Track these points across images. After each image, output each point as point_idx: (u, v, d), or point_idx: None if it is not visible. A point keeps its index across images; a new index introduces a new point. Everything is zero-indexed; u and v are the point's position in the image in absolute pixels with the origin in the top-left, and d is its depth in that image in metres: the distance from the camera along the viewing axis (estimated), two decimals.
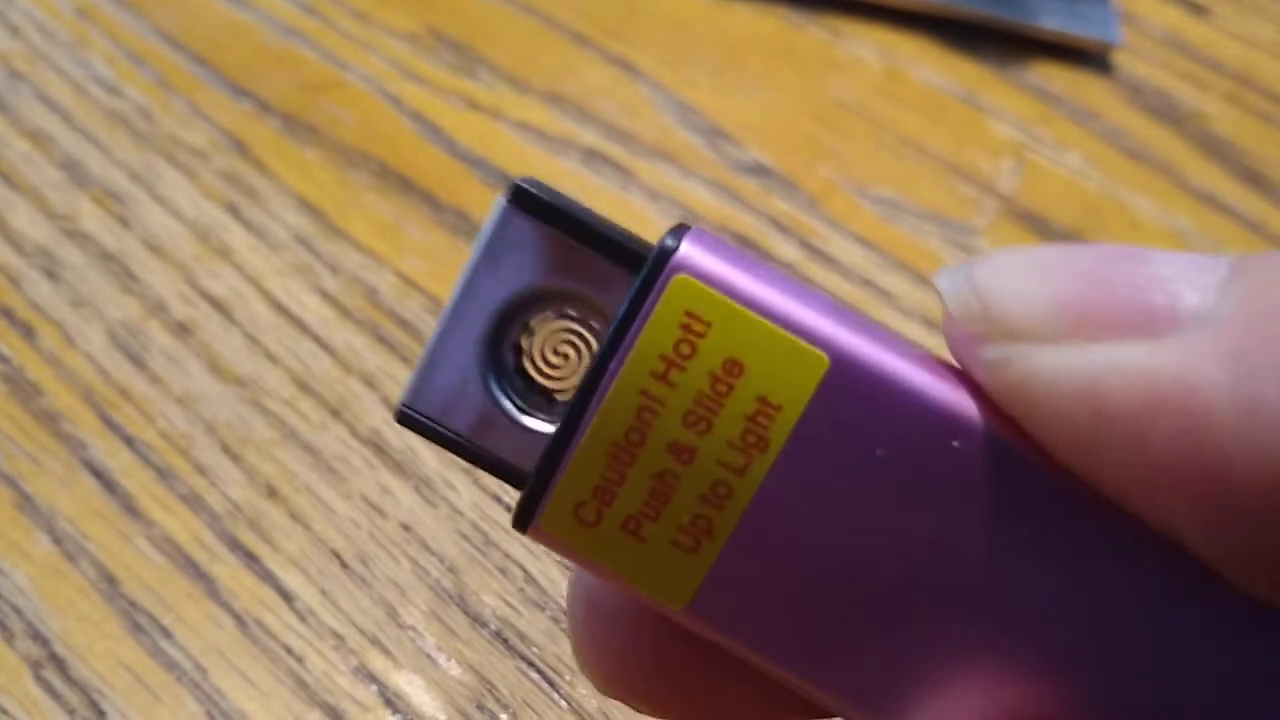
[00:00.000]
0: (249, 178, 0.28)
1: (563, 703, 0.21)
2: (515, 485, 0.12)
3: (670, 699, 0.13)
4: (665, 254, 0.11)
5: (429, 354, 0.12)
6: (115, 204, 0.28)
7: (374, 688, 0.21)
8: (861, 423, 0.11)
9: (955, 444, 0.10)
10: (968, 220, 0.30)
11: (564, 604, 0.23)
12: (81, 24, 0.31)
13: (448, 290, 0.12)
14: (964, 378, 0.11)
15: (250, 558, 0.23)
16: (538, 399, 0.12)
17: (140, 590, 0.22)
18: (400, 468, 0.24)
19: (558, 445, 0.11)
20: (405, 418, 0.12)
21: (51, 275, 0.26)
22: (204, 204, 0.28)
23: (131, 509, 0.23)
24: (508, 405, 0.12)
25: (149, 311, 0.26)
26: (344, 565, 0.23)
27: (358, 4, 0.33)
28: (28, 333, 0.25)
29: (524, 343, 0.12)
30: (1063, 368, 0.10)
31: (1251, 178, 0.32)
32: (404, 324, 0.26)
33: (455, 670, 0.22)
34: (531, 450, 0.12)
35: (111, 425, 0.24)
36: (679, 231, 0.11)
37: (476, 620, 0.22)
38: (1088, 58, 0.34)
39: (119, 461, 0.24)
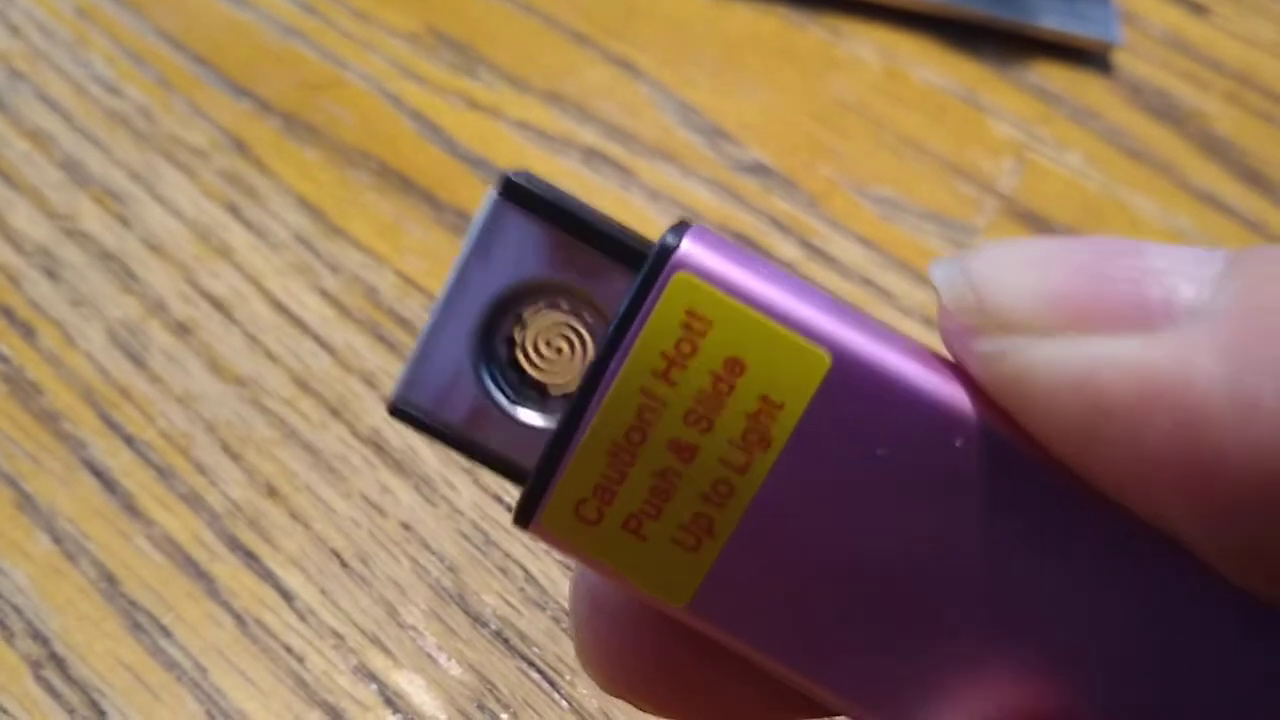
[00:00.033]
0: (249, 177, 0.28)
1: (563, 702, 0.21)
2: (509, 478, 0.12)
3: (673, 698, 0.13)
4: (666, 251, 0.11)
5: (421, 347, 0.12)
6: (115, 203, 0.28)
7: (374, 687, 0.21)
8: (863, 421, 0.11)
9: (957, 442, 0.10)
10: (968, 220, 0.30)
11: (564, 604, 0.23)
12: (82, 23, 0.31)
13: None
14: (966, 375, 0.11)
15: (250, 557, 0.23)
16: (531, 392, 0.12)
17: (140, 589, 0.22)
18: (400, 467, 0.24)
19: (559, 443, 0.11)
20: (397, 411, 0.12)
21: (51, 275, 0.26)
22: (204, 203, 0.28)
23: (131, 508, 0.23)
24: (500, 398, 0.12)
25: (149, 311, 0.26)
26: (344, 564, 0.23)
27: (358, 3, 0.33)
28: (28, 332, 0.25)
29: (517, 335, 0.12)
30: (1057, 361, 0.10)
31: (1252, 177, 0.32)
32: (404, 323, 0.26)
33: (455, 670, 0.22)
34: (524, 443, 0.12)
35: (111, 425, 0.24)
36: (680, 229, 0.11)
37: (477, 620, 0.22)
38: (1088, 57, 0.34)
39: (119, 461, 0.24)
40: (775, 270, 0.11)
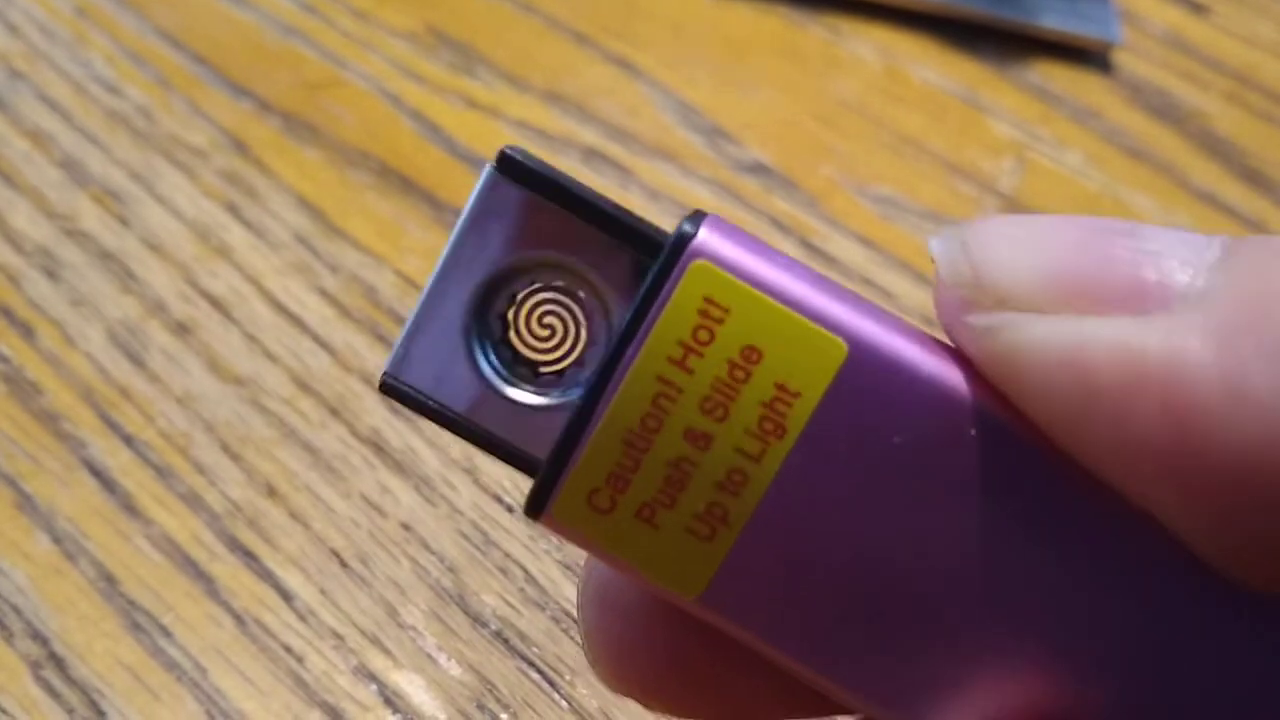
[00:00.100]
0: (248, 177, 0.28)
1: (563, 703, 0.21)
2: (500, 457, 0.12)
3: (683, 696, 0.13)
4: (685, 239, 0.11)
5: (413, 323, 0.12)
6: (115, 203, 0.28)
7: (374, 687, 0.21)
8: (879, 410, 0.10)
9: (973, 433, 0.10)
10: (968, 219, 0.30)
11: (565, 604, 0.23)
12: (81, 23, 0.31)
13: None
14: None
15: (249, 557, 0.23)
16: (522, 370, 0.12)
17: (139, 589, 0.22)
18: (400, 467, 0.24)
19: (572, 431, 0.11)
20: (388, 387, 0.12)
21: (51, 274, 0.26)
22: (203, 203, 0.28)
23: (131, 508, 0.23)
24: (492, 376, 0.12)
25: (148, 311, 0.26)
26: (344, 564, 0.23)
27: (357, 3, 0.33)
28: (27, 332, 0.25)
29: (509, 313, 0.12)
30: (1049, 339, 0.10)
31: (1252, 177, 0.32)
32: (403, 323, 0.26)
33: (455, 670, 0.22)
34: (516, 422, 0.11)
35: (111, 424, 0.24)
36: (697, 217, 0.11)
37: (477, 620, 0.22)
38: (1088, 57, 0.34)
39: (118, 461, 0.24)
40: (790, 260, 0.11)
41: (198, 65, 0.31)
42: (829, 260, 0.29)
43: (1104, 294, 0.10)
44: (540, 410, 0.12)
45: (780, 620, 0.11)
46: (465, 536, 0.23)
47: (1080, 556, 0.10)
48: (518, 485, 0.24)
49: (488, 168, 0.11)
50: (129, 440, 0.24)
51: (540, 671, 0.22)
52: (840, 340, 0.10)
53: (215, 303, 0.26)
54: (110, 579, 0.22)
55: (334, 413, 0.25)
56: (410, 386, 0.12)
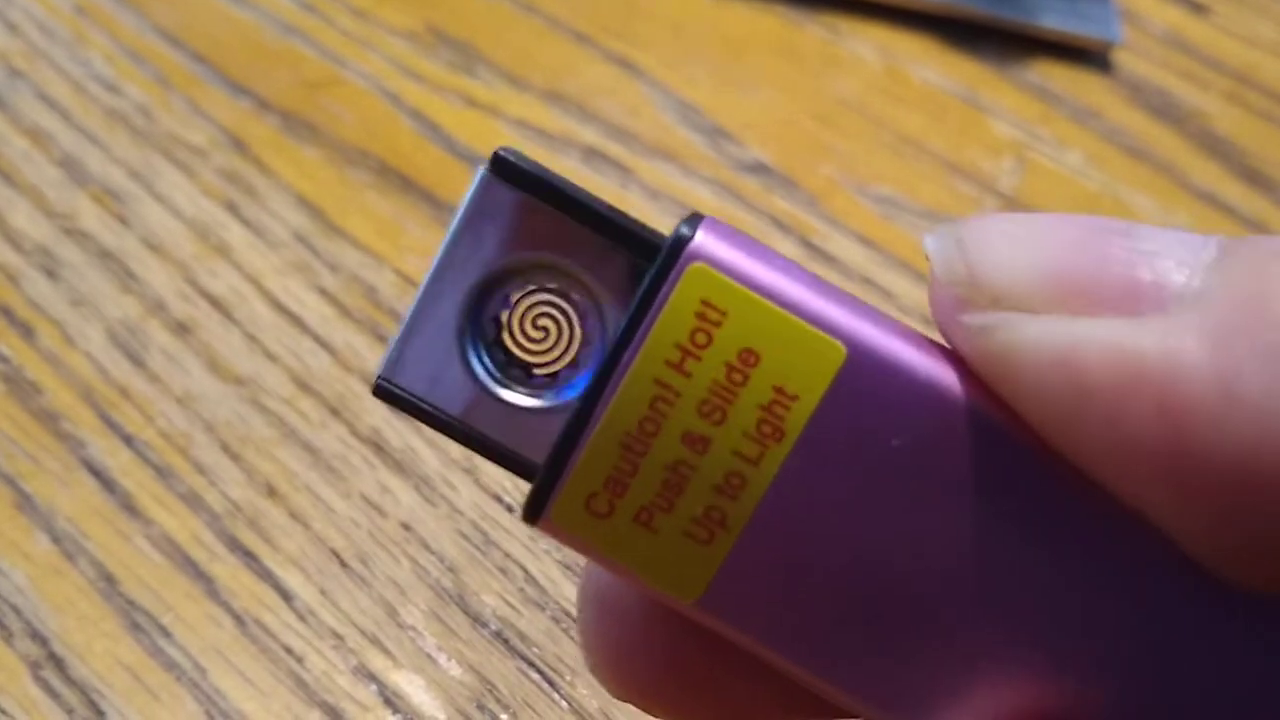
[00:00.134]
0: (248, 176, 0.28)
1: (563, 703, 0.21)
2: (494, 460, 0.11)
3: (682, 700, 0.13)
4: (682, 242, 0.11)
5: (406, 326, 0.12)
6: (114, 202, 0.28)
7: (374, 687, 0.21)
8: (877, 413, 0.10)
9: (971, 436, 0.10)
10: (966, 218, 0.30)
11: (565, 604, 0.23)
12: (80, 22, 0.31)
13: None
14: None
15: (249, 557, 0.23)
16: (517, 372, 0.12)
17: (139, 589, 0.22)
18: (400, 467, 0.24)
19: (569, 435, 0.11)
20: (382, 390, 0.12)
21: (50, 274, 0.26)
22: (203, 202, 0.28)
23: (130, 508, 0.23)
24: (486, 379, 0.12)
25: (148, 310, 0.26)
26: (343, 565, 0.23)
27: (357, 2, 0.33)
28: (27, 332, 0.25)
29: (503, 315, 0.12)
30: (1043, 339, 0.10)
31: (1252, 177, 0.32)
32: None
33: (455, 670, 0.22)
34: (511, 425, 0.11)
35: (110, 424, 0.24)
36: (694, 220, 0.11)
37: (477, 620, 0.22)
38: (1088, 56, 0.34)
39: (118, 460, 0.24)
40: (788, 262, 0.11)
41: (197, 64, 0.31)
42: (829, 260, 0.29)
43: (1099, 294, 0.10)
44: (534, 413, 0.12)
45: (779, 623, 0.11)
46: (465, 536, 0.23)
47: (1078, 558, 0.10)
48: (517, 485, 0.24)
49: (481, 169, 0.11)
50: (129, 440, 0.24)
51: (540, 672, 0.22)
52: (838, 343, 0.10)
53: (215, 302, 0.26)
54: (110, 579, 0.22)
55: (334, 412, 0.25)
56: (404, 390, 0.12)
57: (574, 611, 0.22)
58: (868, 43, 0.34)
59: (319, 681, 0.21)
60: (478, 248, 0.11)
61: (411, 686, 0.21)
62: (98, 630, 0.22)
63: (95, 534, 0.23)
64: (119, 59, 0.31)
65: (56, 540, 0.23)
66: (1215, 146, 0.33)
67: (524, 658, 0.22)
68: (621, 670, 0.13)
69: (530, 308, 0.11)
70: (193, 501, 0.23)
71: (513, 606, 0.22)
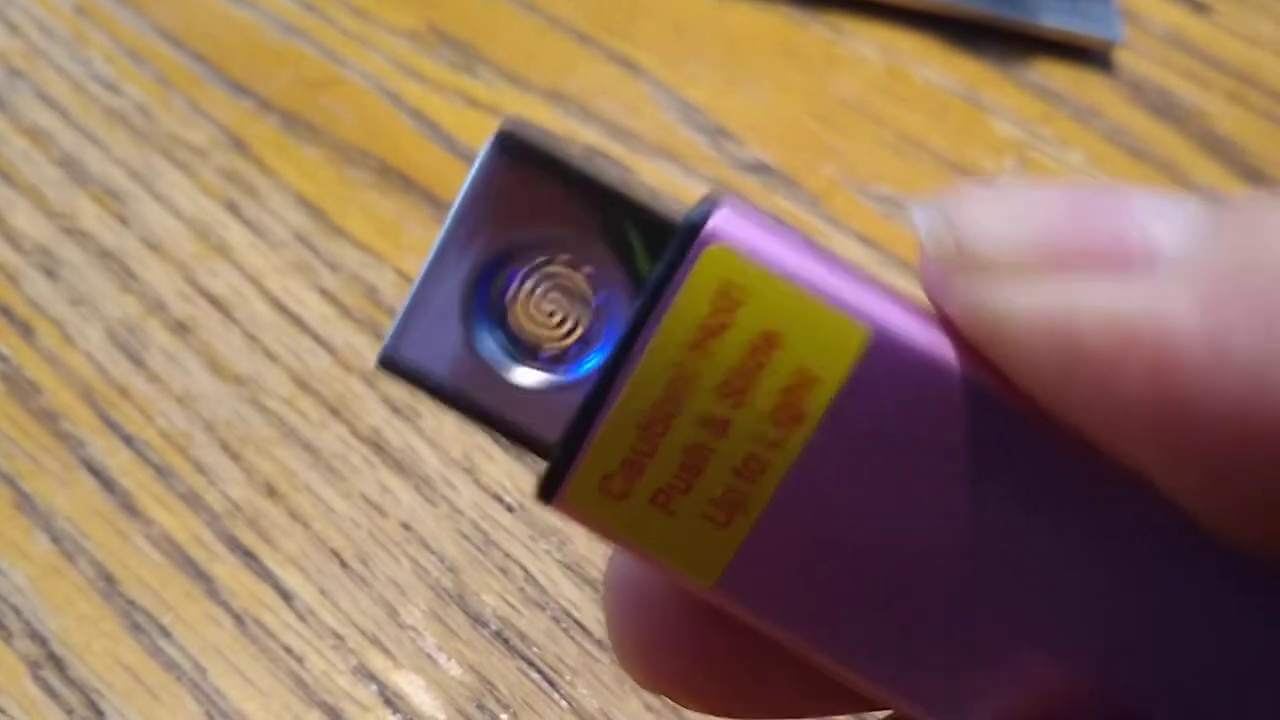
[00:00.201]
0: (248, 175, 0.28)
1: (563, 703, 0.21)
2: (501, 434, 0.11)
3: (710, 689, 0.13)
4: (701, 221, 0.10)
5: (412, 300, 0.11)
6: (114, 202, 0.28)
7: (374, 687, 0.21)
8: (900, 396, 0.10)
9: (994, 420, 0.10)
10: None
11: (565, 604, 0.22)
12: (80, 21, 0.31)
13: None
14: None
15: (249, 557, 0.23)
16: (525, 348, 0.11)
17: (139, 589, 0.22)
18: (400, 466, 0.24)
19: (586, 415, 0.11)
20: (387, 362, 0.11)
21: (50, 273, 0.26)
22: (203, 202, 0.28)
23: (130, 508, 0.23)
24: (493, 354, 0.11)
25: (148, 310, 0.26)
26: (344, 564, 0.23)
27: (357, 1, 0.33)
28: (26, 331, 0.25)
29: (511, 291, 0.11)
30: (1034, 304, 0.10)
31: (1253, 176, 0.32)
32: None
33: (455, 670, 0.22)
34: (518, 401, 0.11)
35: (110, 424, 0.24)
36: (713, 199, 0.11)
37: (477, 620, 0.22)
38: (1089, 56, 0.34)
39: (118, 460, 0.24)
40: (809, 242, 0.11)
41: (197, 63, 0.31)
42: None
43: (1089, 258, 0.09)
44: (543, 390, 0.11)
45: (797, 607, 0.11)
46: (465, 536, 0.23)
47: (1107, 539, 0.10)
48: (518, 485, 0.24)
49: (489, 142, 0.11)
50: (128, 440, 0.24)
51: (540, 672, 0.22)
52: (861, 325, 0.10)
53: (215, 302, 0.26)
54: (109, 579, 0.22)
55: (334, 412, 0.25)
56: (409, 364, 0.11)
57: (574, 611, 0.22)
58: (869, 42, 0.34)
59: (319, 681, 0.21)
60: (484, 221, 0.11)
61: (411, 687, 0.21)
62: (97, 630, 0.21)
63: (95, 534, 0.23)
64: (119, 59, 0.31)
65: (56, 540, 0.22)
66: (1217, 146, 0.32)
67: (524, 658, 0.22)
68: (649, 660, 0.13)
69: (539, 283, 0.11)
70: (192, 501, 0.23)
71: (513, 606, 0.22)
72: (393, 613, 0.22)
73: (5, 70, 0.30)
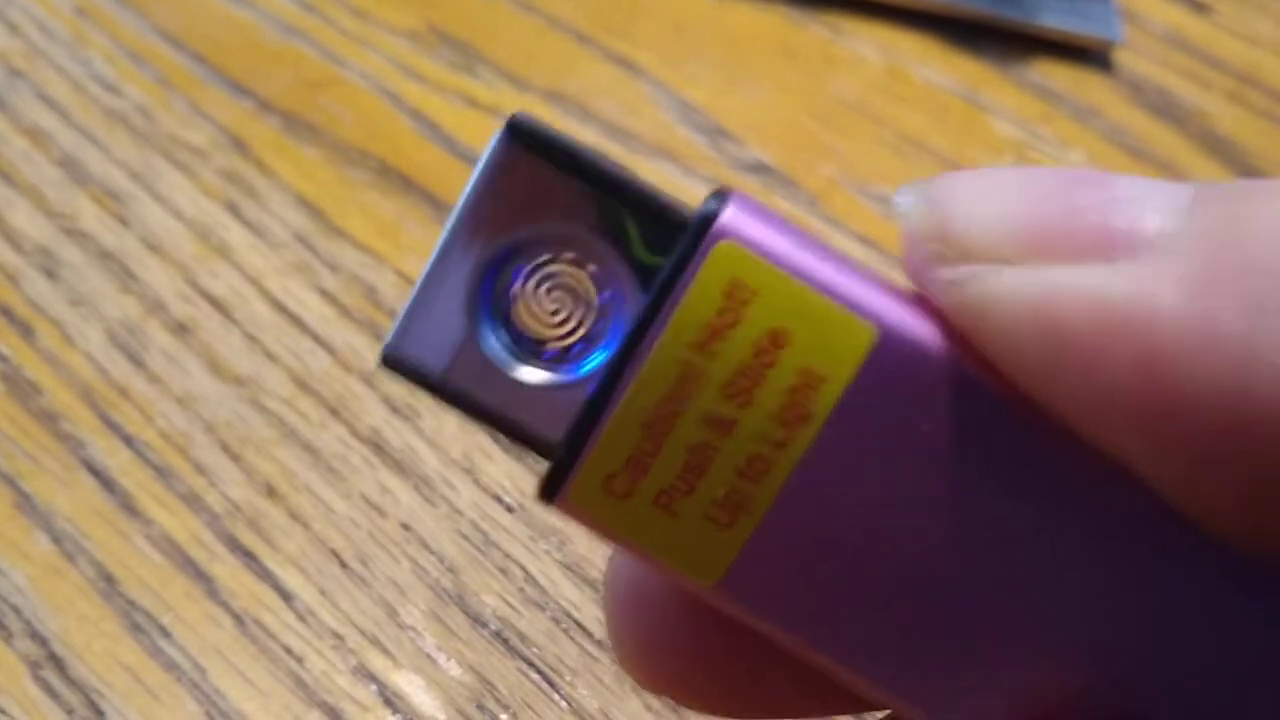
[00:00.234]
0: (248, 176, 0.28)
1: (563, 703, 0.21)
2: (503, 433, 0.11)
3: (713, 690, 0.13)
4: (710, 217, 0.10)
5: (416, 296, 0.11)
6: (114, 202, 0.28)
7: (374, 688, 0.21)
8: (907, 396, 0.10)
9: (1003, 421, 0.10)
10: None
11: (565, 604, 0.22)
12: (80, 22, 0.31)
13: None
14: None
15: (249, 557, 0.23)
16: (529, 345, 0.11)
17: (139, 590, 0.22)
18: (400, 467, 0.24)
19: (590, 414, 0.10)
20: (390, 360, 0.11)
21: (50, 274, 0.26)
22: (203, 202, 0.28)
23: (130, 508, 0.23)
24: (498, 351, 0.11)
25: (148, 310, 0.26)
26: (343, 565, 0.23)
27: (357, 1, 0.33)
28: (26, 331, 0.25)
29: (516, 286, 0.11)
30: (1018, 289, 0.09)
31: (1253, 176, 0.32)
32: None
33: (455, 670, 0.22)
34: (522, 399, 0.11)
35: (110, 424, 0.24)
36: (722, 195, 0.10)
37: (476, 620, 0.22)
38: (1089, 56, 0.34)
39: (118, 460, 0.24)
40: (817, 241, 0.11)
41: (197, 64, 0.31)
42: None
43: (1073, 243, 0.09)
44: (547, 388, 0.11)
45: (798, 608, 0.11)
46: (465, 537, 0.23)
47: (1108, 539, 0.10)
48: (518, 485, 0.24)
49: (498, 134, 0.11)
50: (129, 440, 0.24)
51: (540, 672, 0.22)
52: (869, 325, 0.10)
53: (215, 302, 0.26)
54: (110, 579, 0.22)
55: (334, 413, 0.25)
56: (412, 361, 0.11)
57: (574, 612, 0.22)
58: (869, 42, 0.34)
59: (319, 682, 0.21)
60: (490, 216, 0.11)
61: (411, 687, 0.21)
62: (97, 630, 0.21)
63: (95, 534, 0.23)
64: (119, 59, 0.31)
65: (56, 540, 0.22)
66: (1216, 146, 0.32)
67: (524, 658, 0.22)
68: (649, 660, 0.12)
69: (544, 279, 0.11)
70: (193, 502, 0.23)
71: (512, 607, 0.22)
72: (392, 613, 0.22)
73: (5, 70, 0.30)
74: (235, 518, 0.23)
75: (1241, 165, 0.32)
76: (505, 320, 0.11)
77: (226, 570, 0.22)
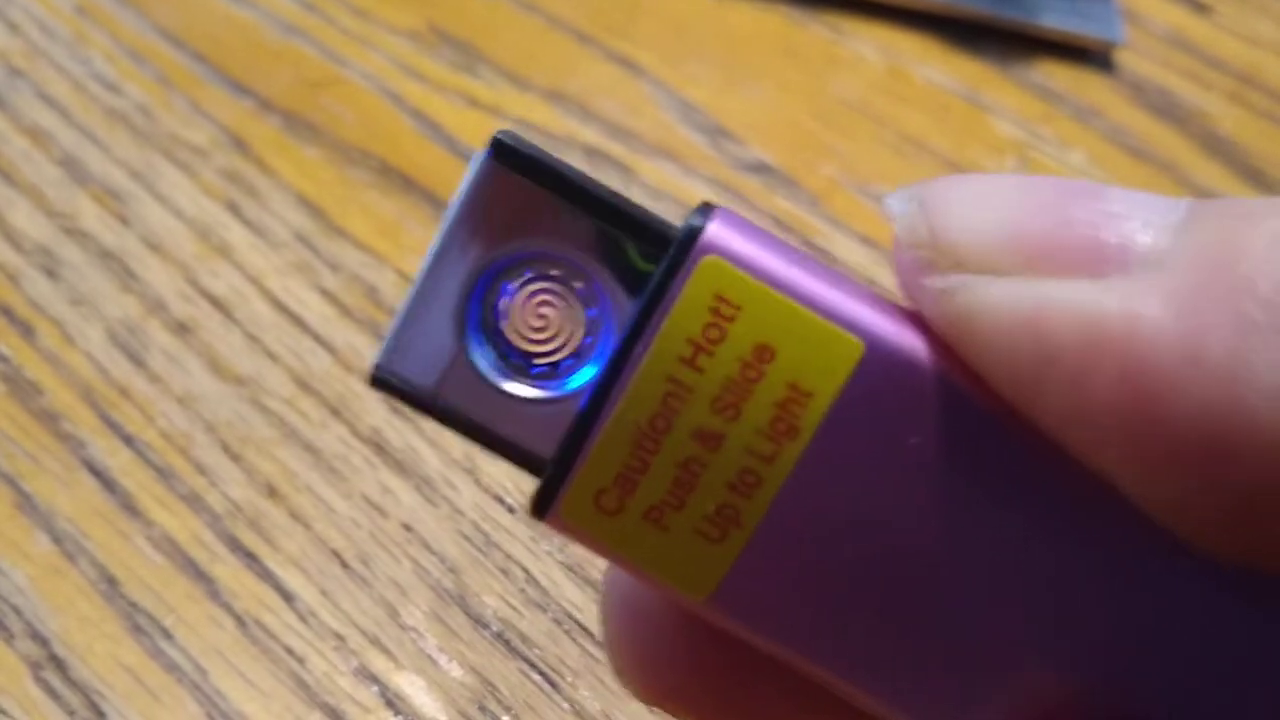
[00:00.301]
0: (249, 176, 0.28)
1: (564, 704, 0.21)
2: (493, 450, 0.11)
3: (710, 703, 0.13)
4: (694, 233, 0.10)
5: (404, 314, 0.11)
6: (115, 202, 0.28)
7: (375, 689, 0.21)
8: (895, 410, 0.10)
9: (990, 434, 0.10)
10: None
11: (566, 605, 0.22)
12: (81, 21, 0.31)
13: None
14: None
15: (250, 558, 0.23)
16: (517, 362, 0.11)
17: (140, 590, 0.22)
18: (401, 467, 0.24)
19: (579, 430, 0.11)
20: (380, 378, 0.11)
21: (51, 273, 0.26)
22: (204, 202, 0.28)
23: (131, 508, 0.23)
24: (486, 368, 0.11)
25: (148, 310, 0.26)
26: (345, 565, 0.23)
27: (358, 1, 0.33)
28: (27, 331, 0.25)
29: (503, 304, 0.11)
30: (1007, 301, 0.09)
31: (1254, 176, 0.32)
32: None
33: (456, 671, 0.22)
34: (511, 416, 0.11)
35: (111, 424, 0.24)
36: (706, 210, 0.11)
37: (478, 621, 0.22)
38: (1090, 56, 0.34)
39: (118, 460, 0.24)
40: (803, 255, 0.11)
41: (198, 63, 0.31)
42: (830, 260, 0.29)
43: (1063, 256, 0.09)
44: (535, 404, 0.11)
45: (791, 621, 0.11)
46: (466, 537, 0.23)
47: (1102, 547, 0.10)
48: (519, 486, 0.24)
49: (481, 153, 0.11)
50: (129, 440, 0.24)
51: (542, 673, 0.22)
52: (855, 339, 0.10)
53: (215, 302, 0.26)
54: (111, 580, 0.22)
55: (335, 413, 0.25)
56: (401, 379, 0.11)
57: (575, 613, 0.22)
58: (870, 42, 0.34)
59: (320, 683, 0.21)
60: (476, 234, 0.11)
61: (413, 688, 0.21)
62: (98, 631, 0.21)
63: (96, 534, 0.23)
64: (119, 58, 0.31)
65: (57, 540, 0.22)
66: (1217, 146, 0.32)
67: (525, 659, 0.22)
68: (646, 673, 0.12)
69: (531, 296, 0.11)
70: (193, 502, 0.23)
71: (514, 608, 0.22)
72: (394, 614, 0.22)
73: (5, 70, 0.30)
74: (236, 518, 0.23)
75: (1242, 166, 0.32)
76: (494, 337, 0.11)
77: (228, 571, 0.22)
